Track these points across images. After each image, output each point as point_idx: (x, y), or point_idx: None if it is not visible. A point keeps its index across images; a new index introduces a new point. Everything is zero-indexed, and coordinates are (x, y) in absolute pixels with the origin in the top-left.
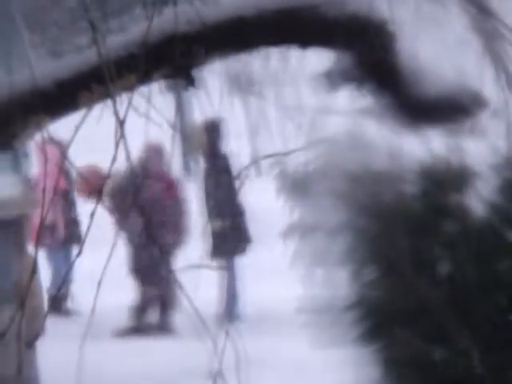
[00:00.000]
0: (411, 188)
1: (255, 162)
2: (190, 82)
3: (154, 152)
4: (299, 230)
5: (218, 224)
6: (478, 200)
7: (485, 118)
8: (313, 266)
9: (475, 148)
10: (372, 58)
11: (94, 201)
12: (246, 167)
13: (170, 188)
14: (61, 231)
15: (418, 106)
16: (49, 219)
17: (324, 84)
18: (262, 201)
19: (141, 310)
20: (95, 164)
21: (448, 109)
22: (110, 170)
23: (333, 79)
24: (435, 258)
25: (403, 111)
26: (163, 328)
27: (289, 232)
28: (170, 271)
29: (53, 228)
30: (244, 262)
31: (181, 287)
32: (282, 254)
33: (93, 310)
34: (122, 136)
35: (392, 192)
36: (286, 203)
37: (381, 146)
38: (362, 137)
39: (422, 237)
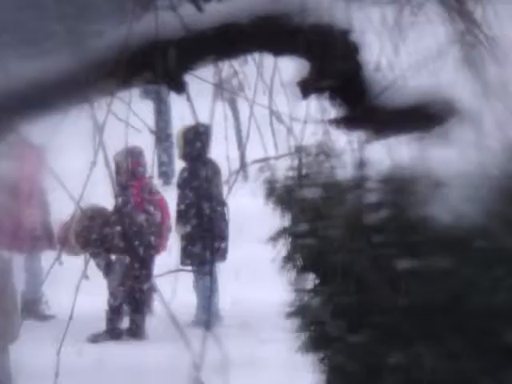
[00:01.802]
0: (373, 196)
1: (238, 169)
2: (172, 87)
3: (132, 155)
4: (284, 236)
5: (186, 229)
6: (445, 209)
7: (455, 126)
8: (295, 271)
9: (444, 156)
10: (335, 68)
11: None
12: (230, 173)
13: (148, 192)
14: (39, 235)
15: (383, 115)
16: (28, 223)
17: (294, 92)
18: (245, 206)
19: (115, 314)
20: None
21: (418, 117)
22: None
23: (304, 87)
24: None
25: (369, 120)
26: (136, 333)
27: (274, 237)
28: (147, 276)
29: (32, 232)
30: (226, 267)
31: (157, 292)
32: (266, 259)
33: (70, 315)
34: (101, 140)
35: (354, 200)
36: (271, 209)
37: (347, 155)
38: (332, 146)
39: (384, 244)
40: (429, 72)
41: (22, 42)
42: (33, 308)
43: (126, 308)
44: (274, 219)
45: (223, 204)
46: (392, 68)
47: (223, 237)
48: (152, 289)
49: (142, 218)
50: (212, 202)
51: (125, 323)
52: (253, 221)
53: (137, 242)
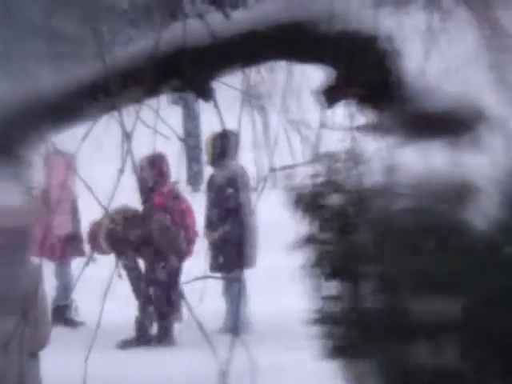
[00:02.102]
0: (405, 203)
1: (266, 175)
2: (200, 95)
3: (158, 161)
4: (307, 243)
5: (214, 236)
6: (479, 215)
7: (485, 133)
8: (319, 278)
9: (476, 162)
10: (363, 75)
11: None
12: (259, 180)
13: (173, 199)
14: (70, 242)
15: (417, 121)
16: (58, 230)
17: (322, 100)
18: (271, 213)
19: (144, 321)
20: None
21: (449, 123)
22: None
23: (330, 95)
24: (430, 273)
25: (401, 126)
26: (165, 339)
27: (300, 244)
28: (174, 283)
29: (62, 239)
30: (252, 274)
31: (185, 299)
32: (290, 266)
33: (98, 322)
34: (129, 148)
35: (384, 207)
36: (293, 216)
37: (378, 161)
38: (361, 152)
39: (415, 252)
40: (458, 78)
41: (53, 52)
42: (63, 315)
43: (154, 314)
44: (299, 226)
45: (251, 211)
46: (421, 74)
47: (252, 244)
48: (180, 295)
49: (167, 224)
50: (240, 208)
51: (153, 329)
52: (279, 228)
53: (163, 248)
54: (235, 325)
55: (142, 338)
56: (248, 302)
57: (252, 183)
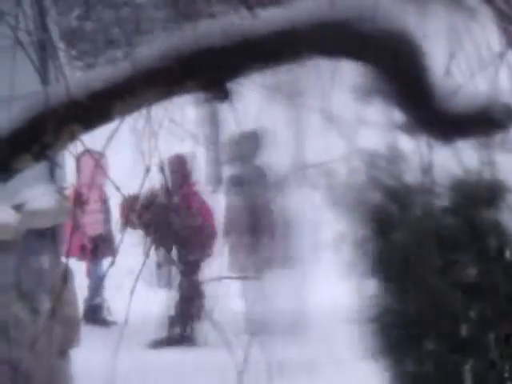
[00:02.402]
0: (442, 202)
1: (296, 172)
2: (225, 94)
3: (180, 162)
4: (346, 241)
5: (235, 236)
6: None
7: None
8: (359, 277)
9: (508, 162)
10: (401, 73)
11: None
12: (287, 177)
13: (197, 199)
14: (101, 242)
15: (450, 121)
16: (90, 229)
17: (357, 96)
18: (307, 211)
19: (174, 321)
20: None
21: (480, 123)
22: (140, 187)
23: (365, 92)
24: (465, 271)
25: (435, 125)
26: (190, 339)
27: (338, 242)
28: (195, 282)
29: (94, 238)
30: (290, 273)
31: (206, 298)
32: (331, 264)
33: (126, 321)
34: (154, 147)
35: (423, 206)
36: (334, 213)
37: (413, 159)
38: (396, 150)
39: (452, 250)
40: (486, 77)
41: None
42: (95, 314)
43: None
44: (336, 224)
45: (281, 210)
46: (448, 73)
47: (286, 244)
48: (202, 295)
49: (188, 223)
50: (264, 208)
51: (180, 330)
52: (315, 226)
53: (184, 248)
54: (255, 325)
55: (172, 338)
56: (272, 301)
57: (280, 181)
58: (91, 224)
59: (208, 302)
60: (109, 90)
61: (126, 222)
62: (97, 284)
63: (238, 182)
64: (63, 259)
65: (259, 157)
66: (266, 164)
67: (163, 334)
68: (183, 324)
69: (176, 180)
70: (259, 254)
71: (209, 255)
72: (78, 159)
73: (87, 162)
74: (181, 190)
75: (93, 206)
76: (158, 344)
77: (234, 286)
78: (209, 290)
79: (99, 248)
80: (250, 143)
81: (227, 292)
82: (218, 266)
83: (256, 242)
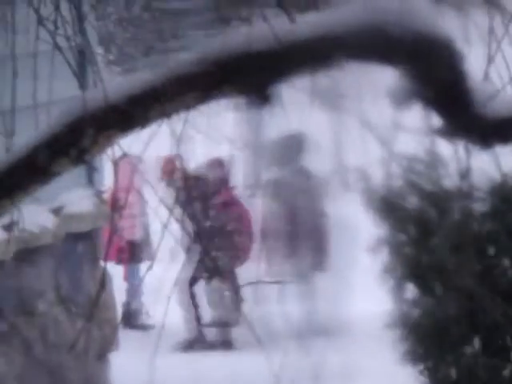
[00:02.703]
0: (482, 206)
1: (336, 176)
2: (265, 98)
3: (219, 166)
4: (386, 245)
5: (274, 241)
6: None
7: None
8: (397, 281)
9: None
10: (438, 77)
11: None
12: (326, 181)
13: (235, 203)
14: (139, 246)
15: (488, 125)
16: (136, 234)
17: (393, 101)
18: (348, 215)
19: (212, 325)
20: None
21: None
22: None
23: (401, 97)
24: (505, 276)
25: (473, 130)
26: (227, 344)
27: (376, 246)
28: (236, 288)
29: (132, 242)
30: (327, 277)
31: (244, 302)
32: (368, 268)
33: (163, 324)
34: (186, 151)
35: (462, 210)
36: (372, 218)
37: (452, 164)
38: (434, 155)
39: (491, 255)
40: None
41: (120, 58)
42: (133, 318)
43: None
44: (373, 228)
45: (322, 215)
46: (485, 78)
47: (323, 248)
48: (240, 299)
49: (225, 227)
50: (303, 212)
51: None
52: (354, 230)
53: (221, 253)
54: (293, 329)
55: (210, 342)
56: (310, 306)
57: (320, 185)
58: (129, 228)
59: (245, 307)
60: (147, 94)
61: (165, 178)
62: (135, 288)
63: (277, 186)
64: (101, 263)
65: (299, 161)
66: (306, 168)
67: (198, 337)
68: (221, 328)
69: (214, 184)
70: (297, 259)
71: (246, 260)
72: (116, 163)
73: (125, 167)
74: (219, 195)
75: (130, 209)
76: (190, 346)
77: (272, 291)
78: (246, 294)
79: (137, 252)
80: (290, 147)
81: (265, 296)
82: (255, 271)
83: (294, 246)
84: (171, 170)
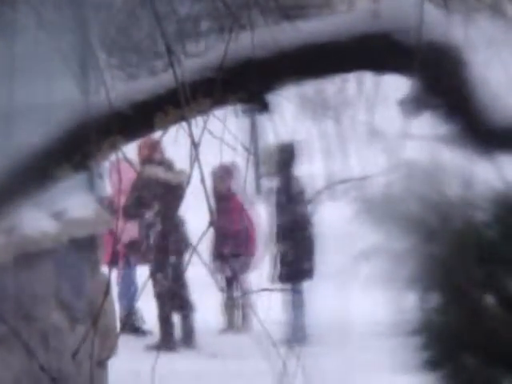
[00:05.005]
0: (484, 215)
1: (330, 186)
2: (264, 106)
3: (225, 173)
4: (374, 254)
5: (281, 247)
6: None
7: None
8: (387, 289)
9: None
10: (445, 86)
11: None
12: (320, 190)
13: (240, 210)
14: (134, 249)
15: (491, 133)
16: (132, 236)
17: (401, 110)
18: (338, 224)
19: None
20: None
21: None
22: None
23: (409, 105)
24: (506, 285)
25: (476, 138)
26: (187, 342)
27: (364, 256)
28: (244, 293)
29: (136, 245)
30: (320, 285)
31: (251, 309)
32: (367, 277)
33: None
34: (197, 158)
35: (464, 218)
36: (362, 227)
37: (454, 172)
38: (437, 162)
39: (493, 264)
40: None
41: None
42: (130, 323)
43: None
44: (366, 236)
45: (310, 222)
46: (488, 85)
47: (309, 256)
48: (249, 306)
49: (232, 234)
50: (301, 220)
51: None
52: (352, 237)
53: (227, 260)
54: (297, 336)
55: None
56: (309, 312)
57: (312, 194)
58: (125, 230)
59: (248, 314)
60: (151, 101)
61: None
62: (132, 293)
63: (273, 193)
64: (101, 268)
65: (295, 168)
66: (301, 175)
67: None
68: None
69: (219, 190)
70: (298, 266)
71: (249, 266)
72: (117, 168)
73: (125, 171)
74: (223, 201)
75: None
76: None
77: (274, 298)
78: (249, 301)
79: (132, 254)
80: (285, 155)
81: (267, 303)
82: (257, 278)
83: (295, 253)
84: (148, 154)
